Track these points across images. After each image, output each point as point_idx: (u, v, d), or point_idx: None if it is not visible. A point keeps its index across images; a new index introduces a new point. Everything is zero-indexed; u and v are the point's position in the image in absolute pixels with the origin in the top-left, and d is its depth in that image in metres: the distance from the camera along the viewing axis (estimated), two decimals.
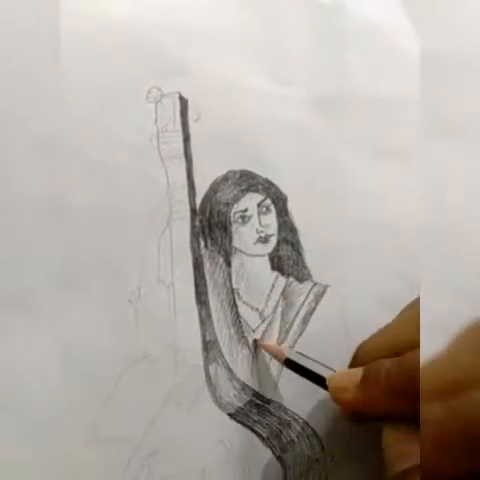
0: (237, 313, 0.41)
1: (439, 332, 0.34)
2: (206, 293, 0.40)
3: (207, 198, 0.41)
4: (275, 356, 0.40)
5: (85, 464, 0.37)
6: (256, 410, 0.40)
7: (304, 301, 0.42)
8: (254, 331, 0.41)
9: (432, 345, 0.33)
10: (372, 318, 0.41)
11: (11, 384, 0.37)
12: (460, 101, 0.44)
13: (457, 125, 0.44)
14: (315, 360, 0.39)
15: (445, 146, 0.43)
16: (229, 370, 0.40)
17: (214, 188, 0.41)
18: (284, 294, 0.42)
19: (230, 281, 0.41)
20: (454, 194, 0.43)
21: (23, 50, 0.38)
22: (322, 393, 0.39)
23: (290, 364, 0.40)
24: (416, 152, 0.44)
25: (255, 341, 0.41)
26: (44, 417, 0.37)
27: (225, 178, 0.41)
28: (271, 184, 0.42)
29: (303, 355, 0.40)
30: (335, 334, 0.42)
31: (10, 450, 0.36)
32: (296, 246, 0.42)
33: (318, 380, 0.39)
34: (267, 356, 0.41)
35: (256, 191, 0.42)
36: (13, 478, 0.37)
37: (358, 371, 0.37)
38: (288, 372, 0.40)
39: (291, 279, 0.42)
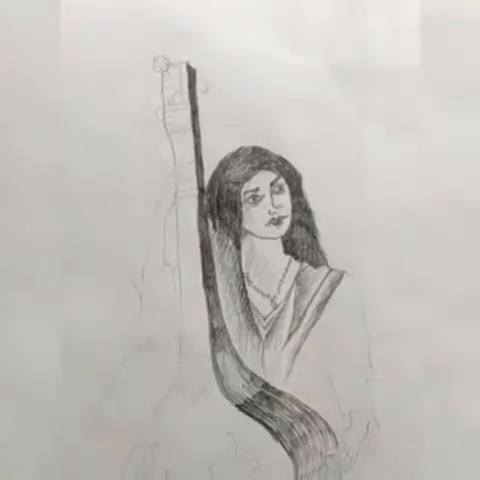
0: (247, 299, 0.40)
1: None
2: (214, 277, 0.39)
3: (216, 176, 0.40)
4: None
5: (86, 454, 0.38)
6: (266, 402, 0.39)
7: (319, 288, 0.41)
8: (265, 318, 0.40)
9: None
10: (392, 307, 0.40)
11: (12, 369, 0.38)
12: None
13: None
14: None
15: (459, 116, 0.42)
16: (238, 359, 0.39)
17: (223, 165, 0.40)
18: (298, 280, 0.41)
19: (240, 265, 0.40)
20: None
21: (23, 18, 0.39)
22: (337, 385, 0.39)
23: None
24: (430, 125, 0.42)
25: None
26: (43, 405, 0.38)
27: (235, 155, 0.40)
28: (285, 162, 0.41)
29: None
30: (352, 324, 0.40)
31: (9, 438, 0.38)
32: (311, 229, 0.41)
33: None
34: (278, 345, 0.40)
35: (269, 169, 0.40)
36: (13, 466, 0.38)
37: None
38: (300, 362, 0.39)
39: (305, 264, 0.41)
